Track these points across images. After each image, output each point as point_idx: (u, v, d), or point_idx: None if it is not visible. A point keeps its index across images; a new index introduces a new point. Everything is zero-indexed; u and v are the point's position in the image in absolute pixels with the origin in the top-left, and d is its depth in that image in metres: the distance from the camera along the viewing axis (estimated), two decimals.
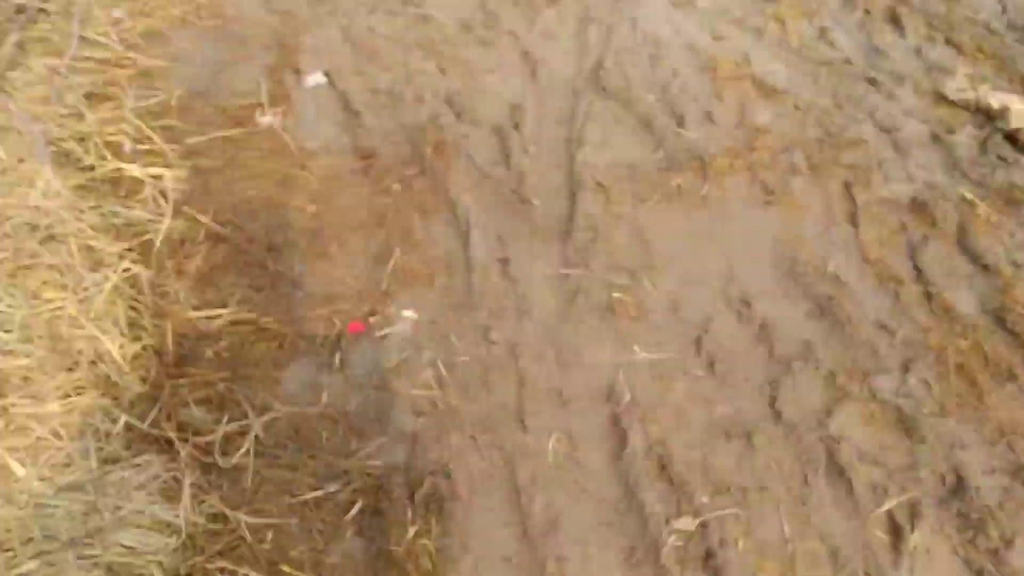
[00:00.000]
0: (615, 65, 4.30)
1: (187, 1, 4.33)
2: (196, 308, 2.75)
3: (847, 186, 3.57)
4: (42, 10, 3.97)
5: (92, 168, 3.19)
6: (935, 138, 3.84)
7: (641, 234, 3.32)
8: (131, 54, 3.90)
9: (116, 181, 3.20)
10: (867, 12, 4.86)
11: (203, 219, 3.09)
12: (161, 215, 3.06)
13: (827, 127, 3.96)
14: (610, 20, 4.70)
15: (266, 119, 3.65)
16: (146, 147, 3.41)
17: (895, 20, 4.74)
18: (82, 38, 3.87)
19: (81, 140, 3.34)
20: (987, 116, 3.97)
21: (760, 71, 4.30)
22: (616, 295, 2.98)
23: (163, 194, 3.17)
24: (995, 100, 3.95)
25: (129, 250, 2.85)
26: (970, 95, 4.02)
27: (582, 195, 3.42)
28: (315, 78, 3.96)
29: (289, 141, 3.56)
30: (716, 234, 3.33)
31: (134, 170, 3.24)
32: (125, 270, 2.66)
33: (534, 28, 4.56)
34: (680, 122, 3.93)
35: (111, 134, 3.37)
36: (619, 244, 3.26)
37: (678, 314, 2.96)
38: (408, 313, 2.81)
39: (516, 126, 3.84)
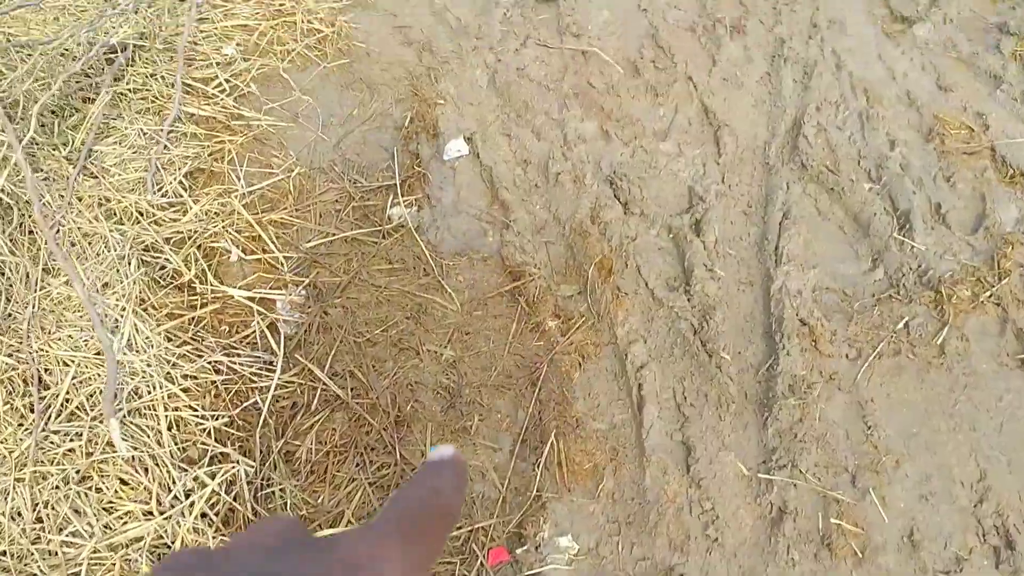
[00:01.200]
0: (817, 129, 3.42)
1: (310, 32, 3.62)
2: (306, 516, 2.14)
3: None
4: (140, 46, 3.33)
5: (191, 289, 2.60)
6: None
7: (861, 408, 2.55)
8: (243, 110, 3.28)
9: (218, 310, 2.58)
10: None
11: (320, 374, 2.45)
12: (271, 366, 2.44)
13: None
14: (807, 56, 3.78)
15: (398, 212, 2.95)
16: (256, 255, 2.77)
17: None
18: (186, 88, 3.23)
19: (179, 245, 2.74)
20: None
21: (1001, 142, 3.37)
22: (834, 521, 2.22)
23: (274, 329, 2.54)
24: None
25: (229, 425, 2.26)
26: None
27: (783, 341, 2.64)
28: (456, 147, 3.24)
29: (424, 247, 2.87)
30: (959, 413, 2.58)
31: (241, 295, 2.60)
32: (222, 470, 2.08)
33: (715, 70, 3.71)
34: (902, 222, 3.06)
35: (215, 235, 2.76)
36: (833, 424, 2.51)
37: (917, 554, 2.19)
38: (565, 542, 2.14)
39: (696, 225, 3.06)
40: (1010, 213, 3.23)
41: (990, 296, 2.90)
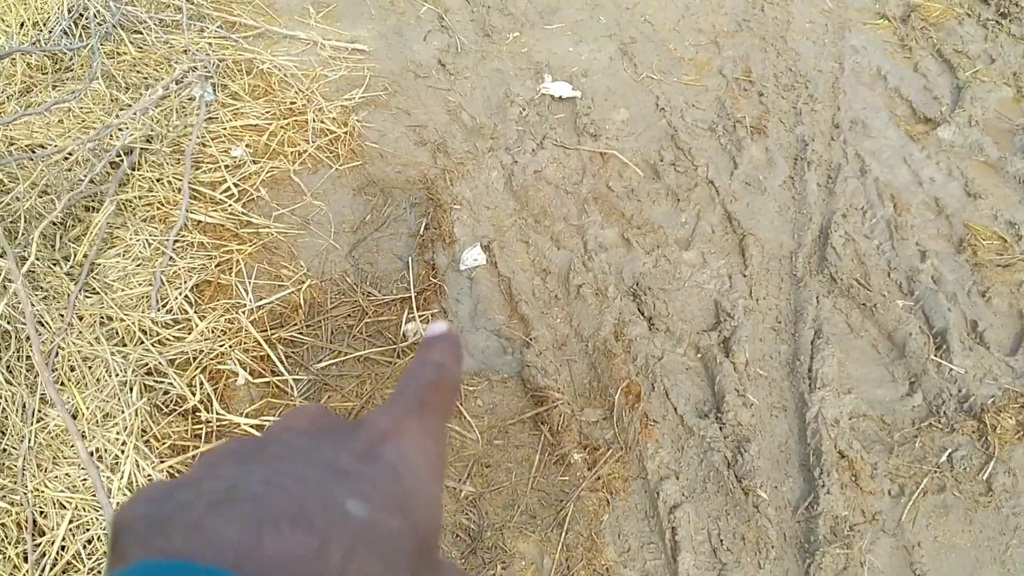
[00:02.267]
0: (845, 239, 3.29)
1: (322, 132, 3.50)
2: None
3: None
4: (145, 149, 3.19)
5: (195, 417, 2.43)
6: None
7: (908, 554, 2.37)
8: (252, 217, 3.14)
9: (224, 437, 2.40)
10: None
11: None
12: None
13: None
14: (831, 159, 3.67)
15: (413, 328, 2.79)
16: (264, 378, 2.60)
17: None
18: (194, 193, 3.10)
19: (184, 367, 2.57)
20: None
21: None
22: None
23: None
24: None
25: None
26: None
27: (822, 477, 2.48)
28: (472, 255, 3.10)
29: None
30: (1012, 560, 2.44)
31: (247, 424, 2.43)
32: None
33: (736, 173, 3.60)
34: (939, 342, 2.92)
35: (221, 355, 2.60)
36: (880, 574, 2.29)
37: None
38: None
39: (725, 344, 2.90)
40: None
41: None
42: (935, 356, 2.96)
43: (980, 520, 2.55)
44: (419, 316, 2.96)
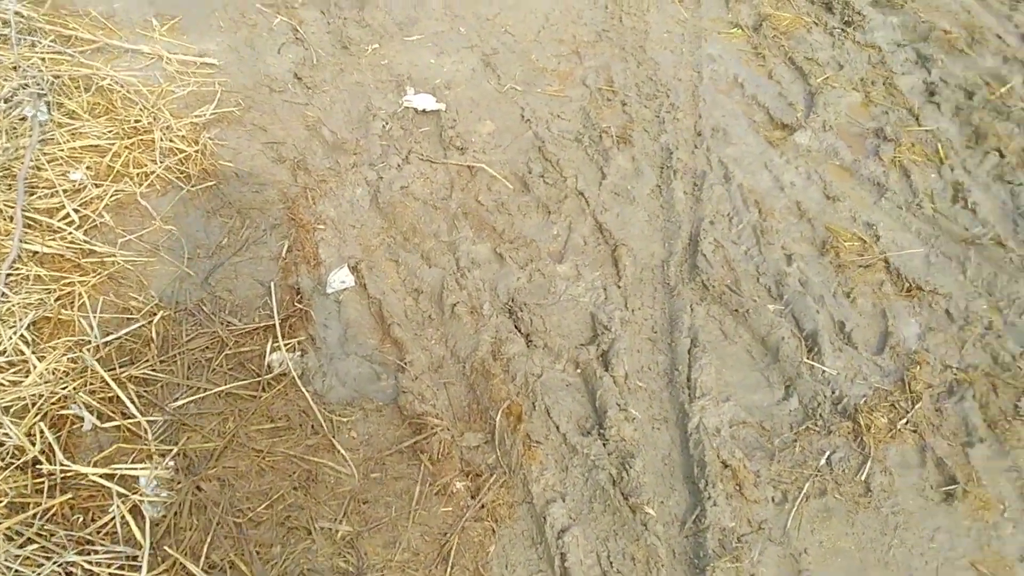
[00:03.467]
0: (714, 245, 3.31)
1: (170, 152, 3.26)
2: None
3: None
4: None
5: (36, 470, 2.19)
6: None
7: (795, 561, 2.37)
8: (96, 245, 2.91)
9: (71, 497, 2.17)
10: (1000, 155, 3.84)
11: (194, 569, 2.06)
12: (135, 561, 2.04)
13: (994, 351, 3.00)
14: (695, 166, 3.68)
15: (279, 358, 2.61)
16: (114, 421, 2.37)
17: None
18: (28, 222, 2.82)
19: (21, 415, 2.31)
20: None
21: (893, 253, 3.33)
22: None
23: (137, 513, 2.15)
24: None
25: None
26: None
27: (708, 489, 2.45)
28: (340, 277, 2.94)
29: (311, 399, 2.53)
30: (895, 561, 2.54)
31: (96, 474, 2.19)
32: None
33: (605, 183, 3.59)
34: (810, 345, 2.97)
35: (64, 399, 2.35)
36: None
37: None
38: None
39: (603, 358, 2.84)
40: (911, 329, 3.18)
41: (906, 423, 2.81)
42: (808, 359, 2.99)
43: (862, 522, 2.57)
44: (284, 345, 2.77)
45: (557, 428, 2.70)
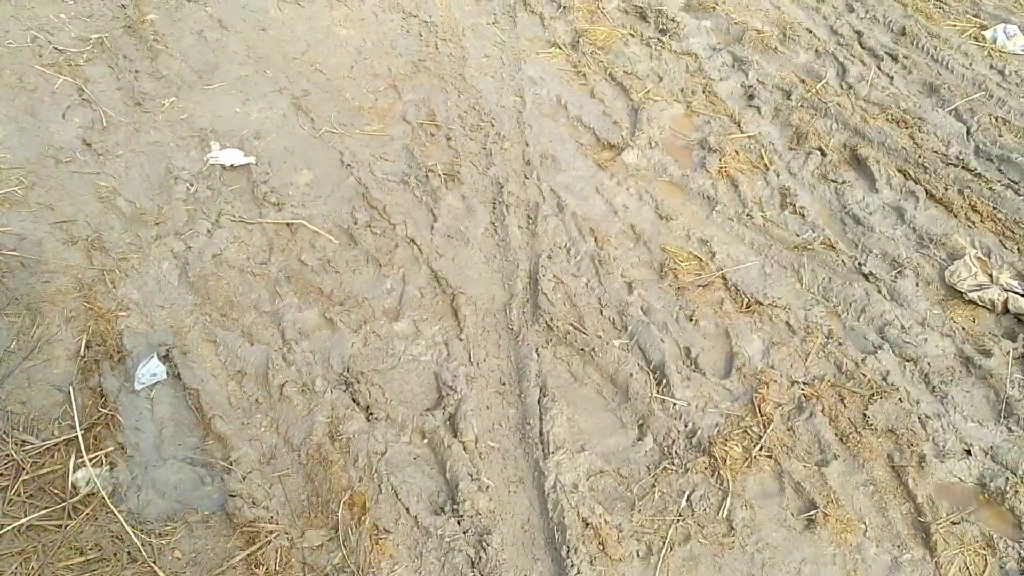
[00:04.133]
0: (554, 282, 3.20)
1: None
2: None
3: (897, 471, 2.73)
4: None
5: None
6: (969, 364, 2.99)
7: None
8: None
9: None
10: (822, 153, 3.89)
11: None
12: None
13: (837, 359, 3.00)
14: (527, 198, 3.55)
15: (84, 475, 2.30)
16: None
17: (858, 162, 3.86)
18: None
19: None
20: (1018, 320, 3.15)
21: (729, 269, 3.29)
22: None
23: None
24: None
25: None
26: (992, 294, 3.16)
27: (570, 556, 2.34)
28: (149, 370, 2.63)
29: (124, 521, 2.23)
30: None
31: None
32: None
33: (437, 227, 3.42)
34: (659, 377, 2.90)
35: None
36: None
37: None
38: None
39: (451, 422, 2.67)
40: (754, 346, 3.13)
41: (760, 449, 2.73)
42: (658, 393, 2.88)
43: (728, 565, 2.49)
44: (90, 459, 2.44)
45: (407, 511, 2.49)
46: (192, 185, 3.45)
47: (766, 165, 3.93)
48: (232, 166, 3.58)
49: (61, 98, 3.78)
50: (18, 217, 3.20)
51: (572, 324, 3.10)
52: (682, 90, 4.41)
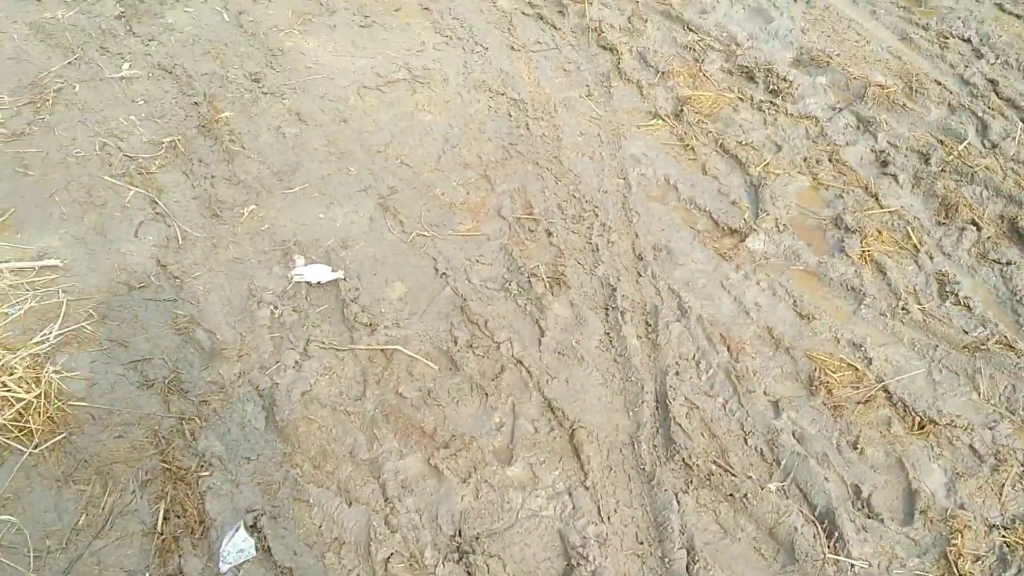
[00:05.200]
0: (687, 406, 2.87)
1: (7, 401, 2.70)
2: None
3: None
4: None
5: None
6: None
7: None
8: None
9: None
10: (977, 227, 3.32)
11: None
12: None
13: None
14: (643, 300, 3.16)
15: None
16: None
17: (1019, 236, 3.31)
18: None
19: None
20: None
21: (892, 380, 2.79)
22: None
23: None
24: None
25: None
26: None
27: None
28: (235, 545, 2.39)
29: None
30: None
31: None
32: None
33: (545, 341, 3.17)
34: (828, 529, 2.51)
35: None
36: None
37: None
38: None
39: None
40: (936, 478, 2.61)
41: None
42: (830, 552, 2.34)
43: None
44: None
45: None
46: (276, 308, 3.08)
47: (915, 246, 3.40)
48: (319, 283, 3.19)
49: (133, 213, 3.47)
50: (88, 358, 2.86)
51: (715, 461, 2.61)
52: (805, 159, 3.91)
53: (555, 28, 4.93)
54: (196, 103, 4.13)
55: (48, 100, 4.07)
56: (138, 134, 3.91)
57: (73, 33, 4.53)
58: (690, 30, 4.85)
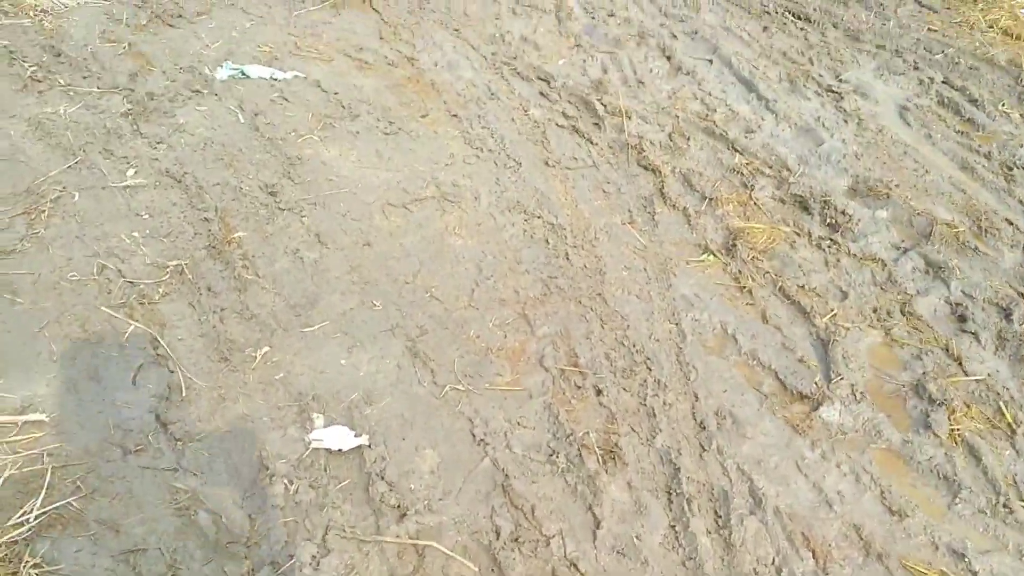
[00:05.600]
0: None
1: None
2: None
3: None
4: None
5: None
6: None
7: None
8: None
9: None
10: None
11: None
12: None
13: None
14: (710, 481, 2.75)
15: None
16: None
17: None
18: None
19: None
20: None
21: None
22: None
23: None
24: None
25: None
26: None
27: None
28: None
29: None
30: None
31: None
32: None
33: (601, 535, 2.82)
34: None
35: None
36: None
37: None
38: None
39: None
40: None
41: None
42: None
43: None
44: None
45: None
46: (291, 483, 2.63)
47: (1010, 425, 2.97)
48: (340, 450, 2.73)
49: (131, 353, 3.03)
50: (73, 546, 2.42)
51: None
52: (875, 310, 3.52)
53: (591, 143, 4.56)
54: (207, 219, 3.71)
55: (44, 211, 3.64)
56: (141, 255, 3.48)
57: (75, 132, 4.10)
58: (736, 150, 4.49)
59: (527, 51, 5.35)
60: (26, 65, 4.55)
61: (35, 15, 5.04)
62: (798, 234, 4.01)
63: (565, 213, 4.09)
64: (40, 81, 4.46)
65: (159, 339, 3.18)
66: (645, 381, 3.22)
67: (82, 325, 3.21)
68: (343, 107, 4.64)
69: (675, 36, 5.57)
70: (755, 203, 4.19)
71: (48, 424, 2.84)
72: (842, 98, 4.96)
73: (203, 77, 4.69)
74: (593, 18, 5.82)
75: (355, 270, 3.62)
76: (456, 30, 5.50)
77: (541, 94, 4.95)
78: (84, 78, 4.55)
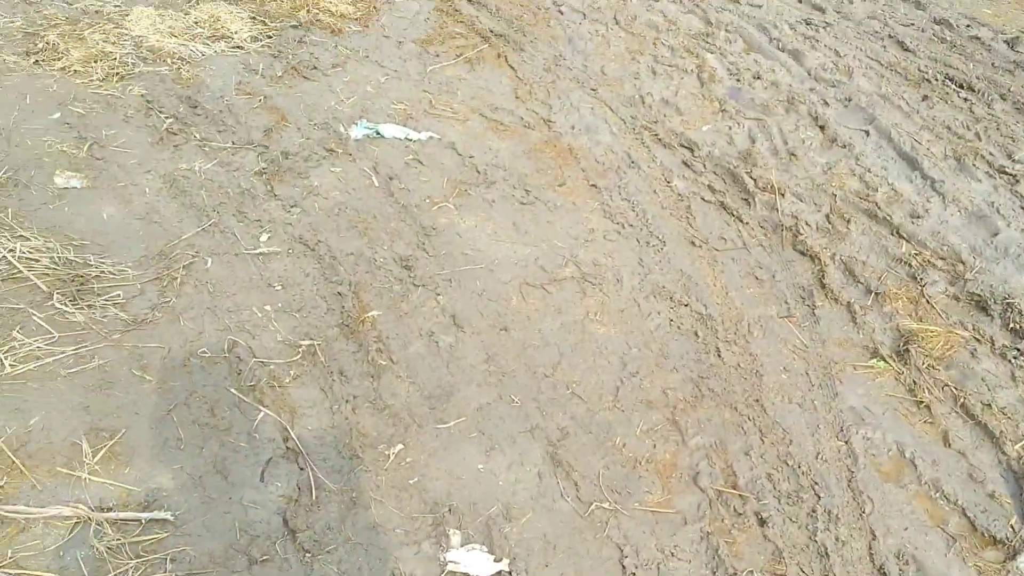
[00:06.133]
0: None
1: None
2: None
3: None
4: None
5: None
6: None
7: None
8: None
9: None
10: None
11: None
12: None
13: None
14: None
15: None
16: None
17: None
18: None
19: None
20: None
21: None
22: None
23: None
24: None
25: None
26: None
27: None
28: None
29: None
30: None
31: None
32: None
33: None
34: None
35: None
36: None
37: None
38: None
39: None
40: None
41: None
42: None
43: None
44: None
45: None
46: None
47: None
48: None
49: (261, 444, 2.83)
50: None
51: None
52: None
53: (741, 221, 4.21)
54: (340, 293, 3.51)
55: (176, 278, 3.49)
56: (272, 331, 3.29)
57: (209, 191, 3.97)
58: (902, 237, 4.08)
59: (668, 115, 5.05)
60: (162, 116, 4.47)
61: (173, 63, 4.98)
62: (979, 340, 3.58)
63: (715, 301, 3.75)
64: (176, 134, 4.37)
65: (289, 430, 2.97)
66: (814, 510, 2.85)
67: (211, 410, 3.03)
68: (478, 172, 4.41)
69: (827, 103, 5.19)
70: (927, 300, 3.78)
71: (172, 524, 2.63)
72: (1017, 181, 4.50)
73: (337, 135, 4.54)
74: (738, 80, 5.49)
75: (492, 359, 3.36)
76: (593, 90, 5.25)
77: (684, 163, 4.63)
78: (219, 132, 4.44)
